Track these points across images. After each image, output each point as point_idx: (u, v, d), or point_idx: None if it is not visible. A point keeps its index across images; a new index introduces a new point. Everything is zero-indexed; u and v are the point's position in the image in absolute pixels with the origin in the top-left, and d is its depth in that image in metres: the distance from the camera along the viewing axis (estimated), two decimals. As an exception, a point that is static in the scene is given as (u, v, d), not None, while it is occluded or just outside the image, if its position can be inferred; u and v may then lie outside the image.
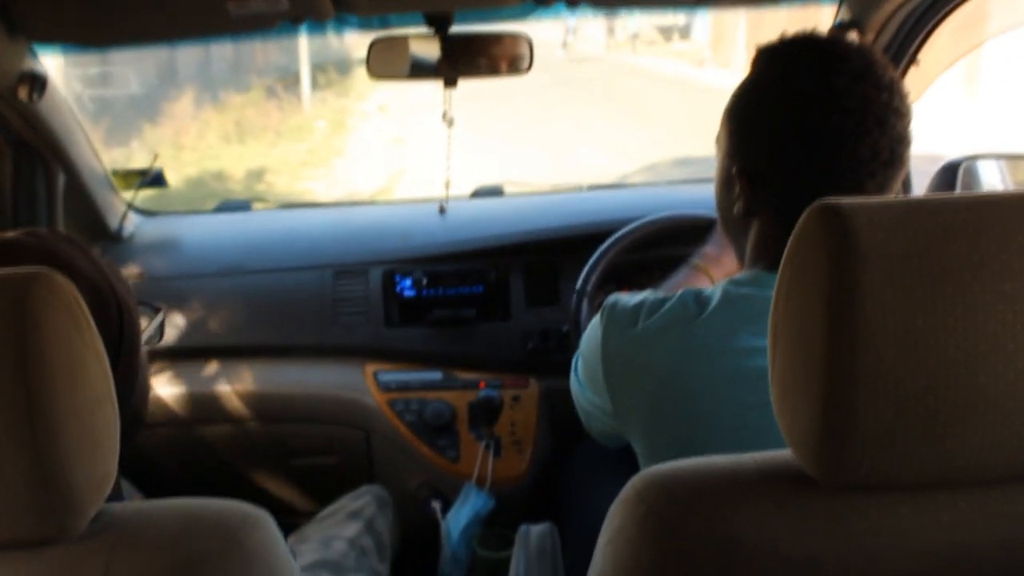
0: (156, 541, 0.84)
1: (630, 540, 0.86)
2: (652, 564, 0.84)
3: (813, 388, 0.77)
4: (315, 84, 14.91)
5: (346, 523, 1.95)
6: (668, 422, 1.19)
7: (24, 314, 0.75)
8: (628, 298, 1.28)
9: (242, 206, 2.78)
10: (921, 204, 0.77)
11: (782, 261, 0.81)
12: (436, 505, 2.16)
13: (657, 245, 2.05)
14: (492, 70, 2.02)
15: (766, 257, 1.24)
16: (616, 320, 1.26)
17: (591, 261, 2.05)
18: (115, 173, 2.50)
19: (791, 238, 0.80)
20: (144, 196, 2.59)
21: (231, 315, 2.32)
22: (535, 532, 1.73)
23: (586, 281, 2.02)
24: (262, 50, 15.99)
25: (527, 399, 2.21)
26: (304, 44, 13.85)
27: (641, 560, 0.85)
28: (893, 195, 1.24)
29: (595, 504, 1.45)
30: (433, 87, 2.07)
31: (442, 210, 2.52)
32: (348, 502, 2.04)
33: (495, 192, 2.76)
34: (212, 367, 2.30)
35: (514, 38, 1.99)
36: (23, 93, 1.91)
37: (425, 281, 2.32)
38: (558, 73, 16.65)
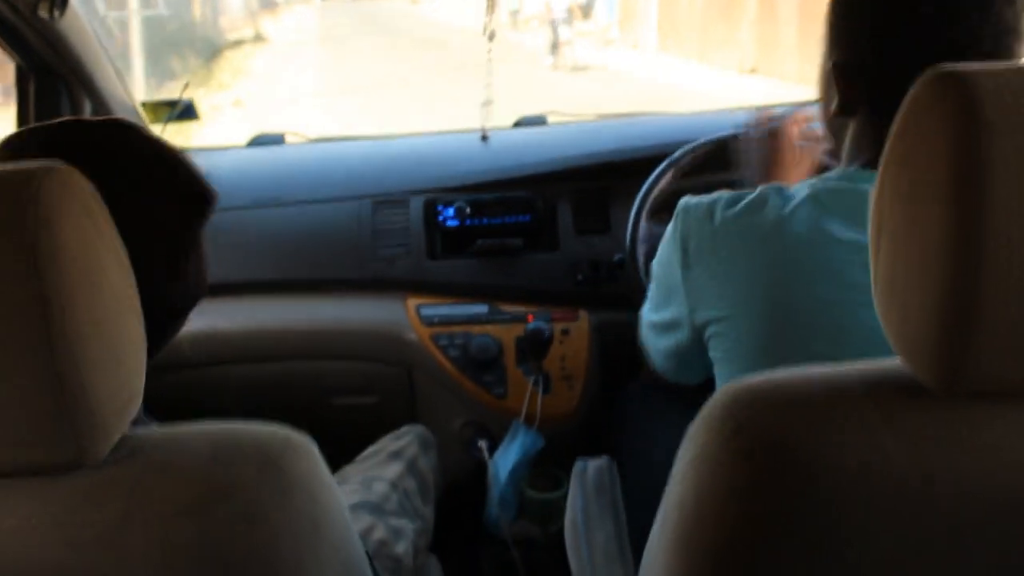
0: (187, 466, 0.76)
1: (717, 462, 0.76)
2: (745, 488, 0.74)
3: (928, 281, 0.67)
4: (165, 70, 14.07)
5: (388, 464, 1.87)
6: (752, 317, 1.14)
7: (35, 213, 0.66)
8: (702, 196, 1.23)
9: (275, 140, 2.70)
10: None
11: (889, 137, 0.72)
12: (482, 444, 2.08)
13: (716, 169, 1.93)
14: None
15: (860, 156, 1.19)
16: (693, 216, 1.22)
17: (646, 185, 1.94)
18: (144, 104, 2.42)
19: (900, 111, 0.71)
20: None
21: (265, 249, 2.24)
22: (592, 467, 1.65)
23: (640, 208, 1.92)
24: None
25: (577, 332, 2.11)
26: (136, 23, 12.41)
27: (732, 484, 0.75)
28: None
29: (652, 440, 1.38)
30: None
31: (484, 138, 2.41)
32: (389, 442, 1.96)
33: (538, 121, 2.65)
34: (245, 303, 2.22)
35: None
36: (43, 10, 1.81)
37: (469, 210, 2.21)
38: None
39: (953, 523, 0.71)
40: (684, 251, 1.21)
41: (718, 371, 1.21)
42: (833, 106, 1.22)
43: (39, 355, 0.66)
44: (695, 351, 1.26)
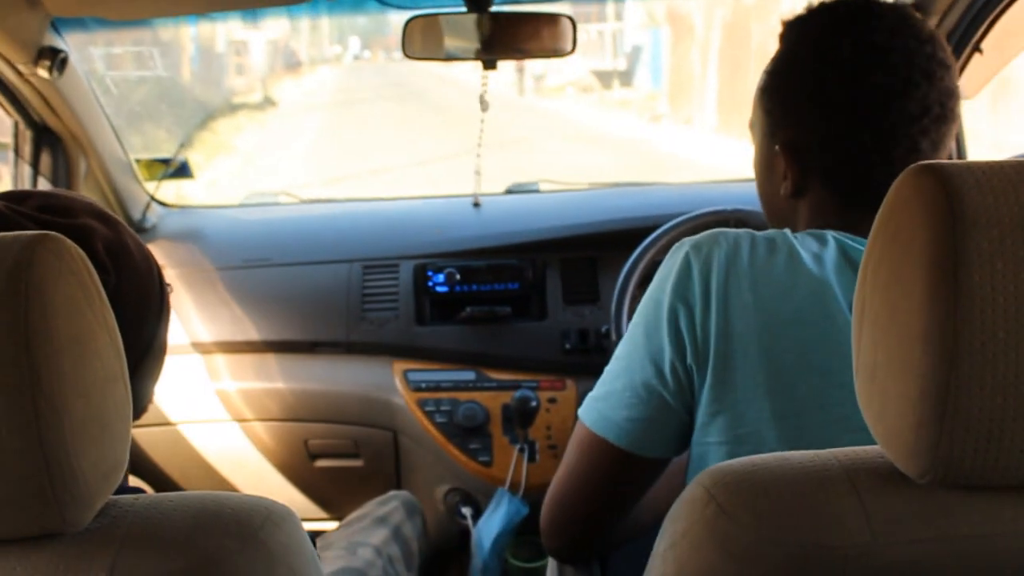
0: (169, 537, 0.75)
1: (697, 544, 0.76)
2: (726, 572, 0.74)
3: (906, 372, 0.68)
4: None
5: (373, 529, 1.86)
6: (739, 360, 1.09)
7: (28, 281, 0.66)
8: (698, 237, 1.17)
9: (268, 200, 2.72)
10: None
11: (872, 230, 0.73)
12: (467, 512, 2.07)
13: None
14: (532, 52, 1.93)
15: (826, 228, 1.17)
16: (698, 256, 1.14)
17: (633, 257, 1.96)
18: (139, 162, 2.44)
19: (884, 204, 0.72)
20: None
21: (254, 309, 2.24)
22: None
23: (628, 278, 1.93)
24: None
25: (564, 402, 2.11)
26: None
27: (713, 567, 0.75)
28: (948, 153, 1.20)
29: (637, 512, 1.35)
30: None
31: (476, 204, 2.44)
32: (375, 507, 1.95)
33: (530, 189, 2.67)
34: (234, 362, 2.22)
35: (555, 18, 1.89)
36: (43, 69, 1.84)
37: (458, 276, 2.22)
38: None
39: None
40: (681, 288, 1.13)
41: (703, 409, 1.14)
42: (783, 189, 1.21)
43: (25, 422, 0.66)
44: (669, 414, 1.18)
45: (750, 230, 1.17)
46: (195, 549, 0.74)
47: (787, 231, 1.16)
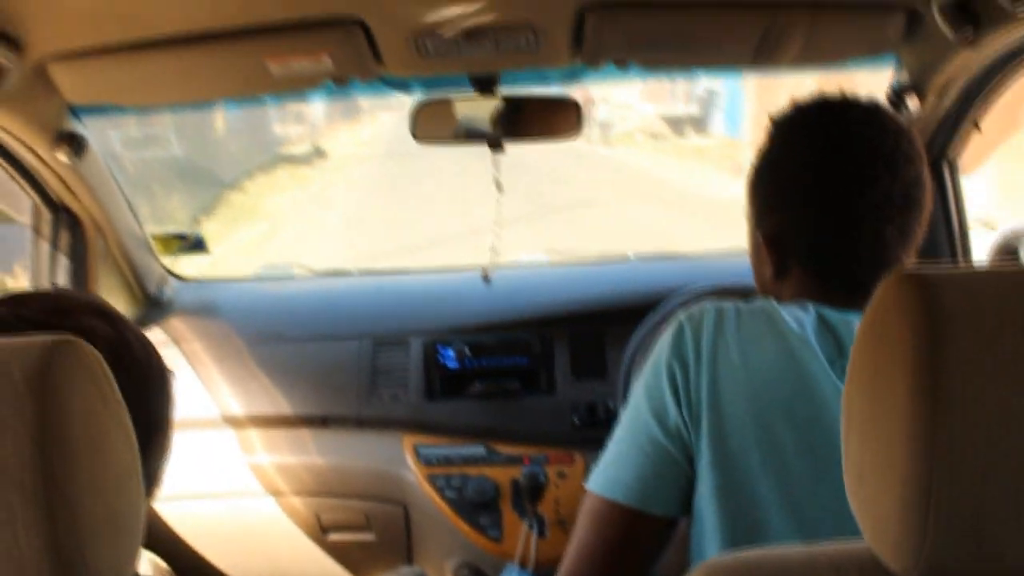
0: None
1: None
2: None
3: (892, 470, 0.70)
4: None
5: None
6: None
7: (46, 384, 0.69)
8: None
9: (282, 272, 2.76)
10: (1013, 275, 0.72)
11: (857, 333, 0.76)
12: None
13: None
14: (540, 134, 1.98)
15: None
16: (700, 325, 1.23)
17: (640, 332, 1.98)
18: (155, 237, 2.48)
19: (868, 308, 0.75)
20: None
21: (267, 383, 2.26)
22: None
23: (635, 353, 1.95)
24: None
25: (573, 476, 2.12)
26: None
27: None
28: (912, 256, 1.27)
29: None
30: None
31: (486, 278, 2.46)
32: None
33: (539, 263, 2.71)
34: (245, 436, 2.24)
35: (563, 101, 1.95)
36: (63, 154, 1.89)
37: (468, 352, 2.25)
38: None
39: None
40: (680, 355, 1.22)
41: (702, 462, 1.19)
42: (768, 273, 1.30)
43: (39, 520, 0.68)
44: (675, 469, 1.22)
45: (739, 300, 1.26)
46: None
47: (773, 300, 1.25)
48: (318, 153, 21.18)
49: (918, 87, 1.86)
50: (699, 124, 19.54)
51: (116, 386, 0.77)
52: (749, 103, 16.64)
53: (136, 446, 0.79)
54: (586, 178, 15.23)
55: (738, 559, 0.80)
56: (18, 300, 1.00)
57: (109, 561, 0.73)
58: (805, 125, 1.28)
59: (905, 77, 1.89)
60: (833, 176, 1.21)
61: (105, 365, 0.76)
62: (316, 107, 22.90)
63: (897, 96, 1.87)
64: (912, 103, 1.86)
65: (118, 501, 0.75)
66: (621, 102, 21.93)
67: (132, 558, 0.78)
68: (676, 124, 19.82)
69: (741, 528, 1.14)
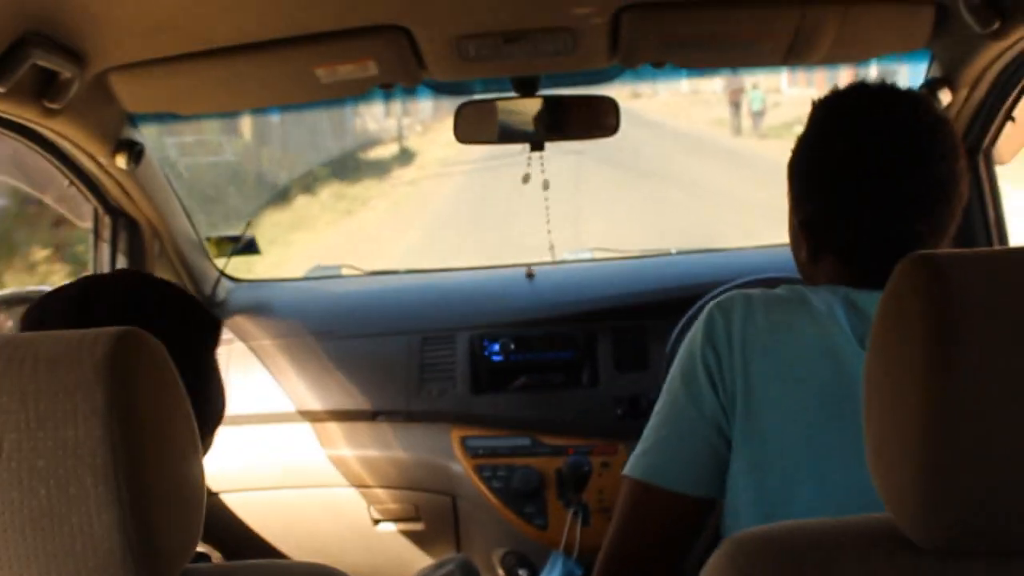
0: None
1: None
2: None
3: (910, 446, 0.73)
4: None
5: None
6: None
7: (114, 372, 0.74)
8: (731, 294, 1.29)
9: (332, 272, 2.82)
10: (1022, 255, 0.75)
11: (875, 314, 0.79)
12: (523, 574, 2.12)
13: None
14: (580, 133, 2.03)
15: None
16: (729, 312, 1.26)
17: (681, 324, 2.01)
18: (209, 240, 2.55)
19: (885, 290, 0.78)
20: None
21: (319, 380, 2.33)
22: None
23: (675, 346, 1.98)
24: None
25: (617, 466, 2.16)
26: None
27: None
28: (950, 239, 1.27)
29: (691, 572, 1.40)
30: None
31: (530, 275, 2.51)
32: (433, 571, 2.00)
33: (584, 258, 2.75)
34: (299, 431, 2.31)
35: (601, 100, 1.99)
36: (121, 161, 1.96)
37: (513, 346, 2.30)
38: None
39: None
40: (713, 341, 1.25)
41: (737, 452, 1.22)
42: (803, 256, 1.32)
43: (109, 499, 0.74)
44: (711, 450, 1.25)
45: (766, 288, 1.29)
46: None
47: (800, 286, 1.27)
48: (405, 153, 19.91)
49: (950, 80, 1.88)
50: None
51: (176, 373, 0.83)
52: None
53: (196, 429, 0.85)
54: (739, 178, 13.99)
55: (767, 531, 0.84)
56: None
57: (174, 538, 0.79)
58: (842, 114, 1.27)
59: (937, 71, 1.91)
60: (867, 166, 1.21)
61: (166, 353, 0.82)
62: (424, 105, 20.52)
63: (930, 90, 1.88)
64: (945, 96, 1.88)
65: (181, 483, 0.80)
66: (771, 87, 21.32)
67: (196, 532, 0.83)
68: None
69: (774, 503, 1.18)
